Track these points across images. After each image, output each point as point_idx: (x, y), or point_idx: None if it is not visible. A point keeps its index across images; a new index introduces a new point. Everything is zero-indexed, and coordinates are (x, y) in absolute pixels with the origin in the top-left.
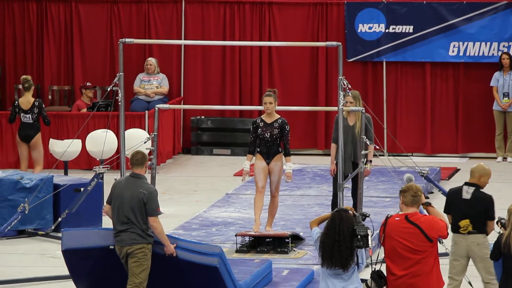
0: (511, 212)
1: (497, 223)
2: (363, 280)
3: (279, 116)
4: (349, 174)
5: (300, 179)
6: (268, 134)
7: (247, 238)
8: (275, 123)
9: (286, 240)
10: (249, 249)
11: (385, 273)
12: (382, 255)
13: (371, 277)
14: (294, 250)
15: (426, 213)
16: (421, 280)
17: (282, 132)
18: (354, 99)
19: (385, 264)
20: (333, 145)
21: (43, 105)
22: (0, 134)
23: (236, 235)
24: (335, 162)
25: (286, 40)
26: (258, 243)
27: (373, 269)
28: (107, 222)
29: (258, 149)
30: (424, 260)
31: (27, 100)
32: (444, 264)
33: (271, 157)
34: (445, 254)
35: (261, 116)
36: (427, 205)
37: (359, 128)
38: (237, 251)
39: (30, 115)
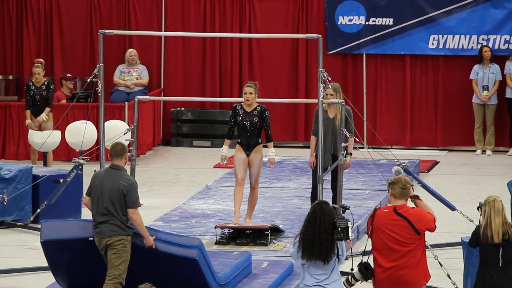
0: (487, 203)
1: (478, 208)
2: (346, 273)
3: (258, 104)
4: (329, 167)
5: (280, 171)
6: (248, 123)
7: (226, 230)
8: (254, 111)
9: (266, 232)
10: (228, 241)
11: (372, 265)
12: (369, 247)
13: (358, 269)
14: (274, 242)
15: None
16: (408, 272)
17: (262, 119)
18: (334, 91)
19: (372, 256)
20: (312, 138)
21: (52, 87)
22: None
23: (215, 227)
24: (314, 154)
25: (266, 32)
26: (237, 235)
27: (360, 261)
28: (86, 213)
29: (238, 140)
30: (412, 252)
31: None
32: (430, 257)
33: (251, 149)
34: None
35: (241, 103)
36: (415, 198)
37: (339, 121)
38: (216, 243)
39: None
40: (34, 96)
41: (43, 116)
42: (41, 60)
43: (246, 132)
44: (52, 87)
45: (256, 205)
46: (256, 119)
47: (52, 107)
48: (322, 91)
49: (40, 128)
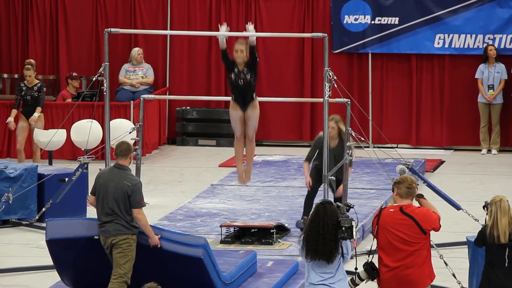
0: (493, 203)
1: (483, 208)
2: (351, 272)
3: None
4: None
5: (285, 170)
6: (241, 81)
7: (231, 229)
8: (245, 69)
9: (271, 231)
10: (233, 239)
11: (377, 265)
12: (370, 246)
13: (363, 269)
14: (279, 241)
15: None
16: (414, 272)
17: (252, 65)
18: (336, 123)
19: (377, 255)
20: (305, 163)
21: (44, 89)
22: None
23: (221, 226)
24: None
25: (272, 31)
26: (242, 234)
27: (366, 261)
28: (91, 212)
29: (233, 96)
30: (418, 252)
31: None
32: (435, 257)
33: (247, 105)
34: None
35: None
36: (420, 197)
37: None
38: (221, 242)
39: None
40: (25, 96)
41: (35, 115)
42: (32, 61)
43: (241, 91)
44: (44, 89)
45: (253, 156)
46: (248, 75)
47: (43, 108)
48: (328, 90)
49: (30, 128)
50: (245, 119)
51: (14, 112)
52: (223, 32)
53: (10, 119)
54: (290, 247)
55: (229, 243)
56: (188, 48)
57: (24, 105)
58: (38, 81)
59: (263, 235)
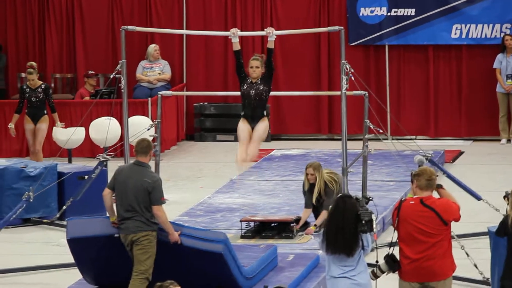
0: None
1: (504, 198)
2: (372, 265)
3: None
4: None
5: (304, 164)
6: (253, 92)
7: (251, 224)
8: (258, 80)
9: (291, 224)
10: (254, 234)
11: (397, 257)
12: (390, 239)
13: (384, 261)
14: (300, 235)
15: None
16: (435, 263)
17: (268, 77)
18: (314, 170)
19: (397, 247)
20: (305, 210)
21: (50, 90)
22: (4, 122)
23: (240, 221)
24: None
25: (288, 24)
26: (263, 228)
27: (386, 253)
28: None
29: (243, 113)
30: (439, 243)
31: (35, 82)
32: (456, 247)
33: (256, 121)
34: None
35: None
36: (439, 187)
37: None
38: (242, 237)
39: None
40: (30, 98)
41: (58, 125)
42: (33, 63)
43: (251, 103)
44: (50, 91)
45: (257, 149)
46: (261, 87)
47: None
48: (345, 83)
49: (34, 130)
50: (252, 131)
51: (16, 117)
52: (239, 32)
53: (11, 125)
54: (311, 241)
55: (250, 237)
56: (205, 44)
57: (29, 107)
58: (41, 82)
59: (283, 229)
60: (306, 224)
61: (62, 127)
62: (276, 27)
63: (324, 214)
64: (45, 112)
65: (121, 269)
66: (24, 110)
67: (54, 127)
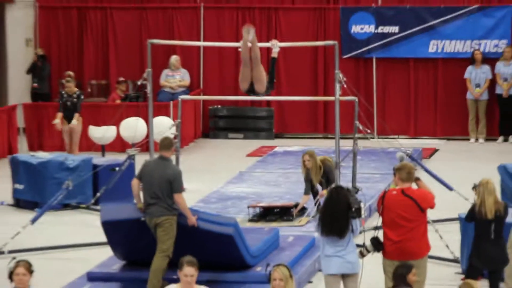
0: (481, 185)
1: (472, 189)
2: (360, 246)
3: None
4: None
5: None
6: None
7: (257, 209)
8: (263, 90)
9: (291, 210)
10: (259, 218)
11: (382, 239)
12: (375, 223)
13: (370, 242)
14: (299, 218)
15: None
16: (414, 244)
17: (270, 77)
18: (310, 157)
19: (381, 231)
20: (304, 196)
21: (82, 96)
22: (48, 121)
23: (248, 207)
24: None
25: (290, 39)
26: (267, 213)
27: (372, 236)
28: None
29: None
30: (417, 227)
31: (72, 89)
32: (431, 231)
33: None
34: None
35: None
36: (417, 179)
37: (316, 176)
38: (249, 221)
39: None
40: (66, 102)
41: (74, 122)
42: (71, 73)
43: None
44: (82, 97)
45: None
46: (266, 91)
47: (81, 111)
48: (338, 89)
49: (71, 130)
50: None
51: (59, 115)
52: (249, 38)
53: (57, 120)
54: (308, 224)
55: (256, 221)
56: (219, 55)
57: (65, 110)
58: (77, 90)
59: (284, 213)
60: (304, 209)
61: (72, 126)
62: (280, 40)
63: (322, 194)
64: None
65: (146, 248)
66: (53, 112)
67: (90, 126)
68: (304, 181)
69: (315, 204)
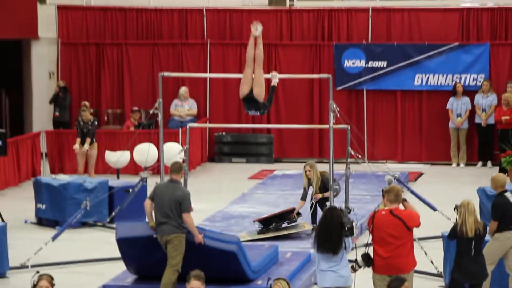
0: (462, 205)
1: (454, 209)
2: (352, 261)
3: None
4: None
5: (300, 181)
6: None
7: (261, 224)
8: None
9: (291, 213)
10: (267, 229)
11: (372, 255)
12: (366, 241)
13: (361, 258)
14: (302, 225)
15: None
16: (401, 260)
17: (268, 101)
18: (311, 167)
19: (371, 248)
20: (300, 201)
21: (96, 123)
22: (68, 147)
23: (253, 221)
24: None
25: (289, 72)
26: (271, 221)
27: (363, 252)
28: None
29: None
30: (404, 244)
31: (87, 117)
32: (417, 248)
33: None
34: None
35: None
36: (404, 200)
37: (317, 185)
38: (259, 233)
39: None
40: (82, 129)
41: (85, 146)
42: (86, 103)
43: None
44: (95, 123)
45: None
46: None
47: (95, 137)
48: (332, 118)
49: (87, 154)
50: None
51: (78, 140)
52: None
53: (76, 145)
54: (305, 241)
55: (265, 232)
56: (224, 86)
57: (81, 136)
58: (91, 117)
59: (285, 217)
60: (299, 214)
61: (83, 150)
62: (279, 72)
63: (328, 194)
64: (94, 140)
65: (157, 263)
66: (72, 138)
67: (106, 150)
68: (303, 188)
69: (310, 207)
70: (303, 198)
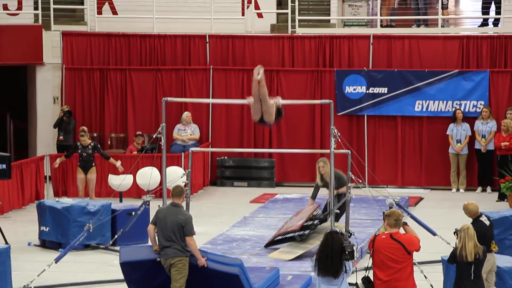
0: (462, 230)
1: (454, 234)
2: (352, 284)
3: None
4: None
5: (301, 205)
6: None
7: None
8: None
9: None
10: (279, 244)
11: (372, 278)
12: (366, 264)
13: (361, 281)
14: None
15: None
16: (401, 283)
17: (278, 114)
18: (324, 163)
19: (372, 271)
20: (310, 200)
21: (99, 145)
22: (72, 171)
23: (265, 247)
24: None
25: (291, 98)
26: (282, 240)
27: (363, 275)
28: None
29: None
30: (404, 268)
31: (86, 141)
32: (417, 271)
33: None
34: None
35: None
36: (404, 224)
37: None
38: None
39: (87, 151)
40: (82, 153)
41: (119, 166)
42: (85, 128)
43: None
44: (99, 146)
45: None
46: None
47: (94, 162)
48: (333, 143)
49: (85, 180)
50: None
51: (62, 158)
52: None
53: (57, 161)
54: (305, 264)
55: (286, 252)
56: (226, 111)
57: (81, 161)
58: (90, 141)
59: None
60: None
61: (120, 165)
62: (281, 98)
63: (343, 189)
64: (93, 164)
65: (160, 286)
66: (75, 162)
67: (109, 174)
68: (315, 185)
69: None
70: (313, 196)
